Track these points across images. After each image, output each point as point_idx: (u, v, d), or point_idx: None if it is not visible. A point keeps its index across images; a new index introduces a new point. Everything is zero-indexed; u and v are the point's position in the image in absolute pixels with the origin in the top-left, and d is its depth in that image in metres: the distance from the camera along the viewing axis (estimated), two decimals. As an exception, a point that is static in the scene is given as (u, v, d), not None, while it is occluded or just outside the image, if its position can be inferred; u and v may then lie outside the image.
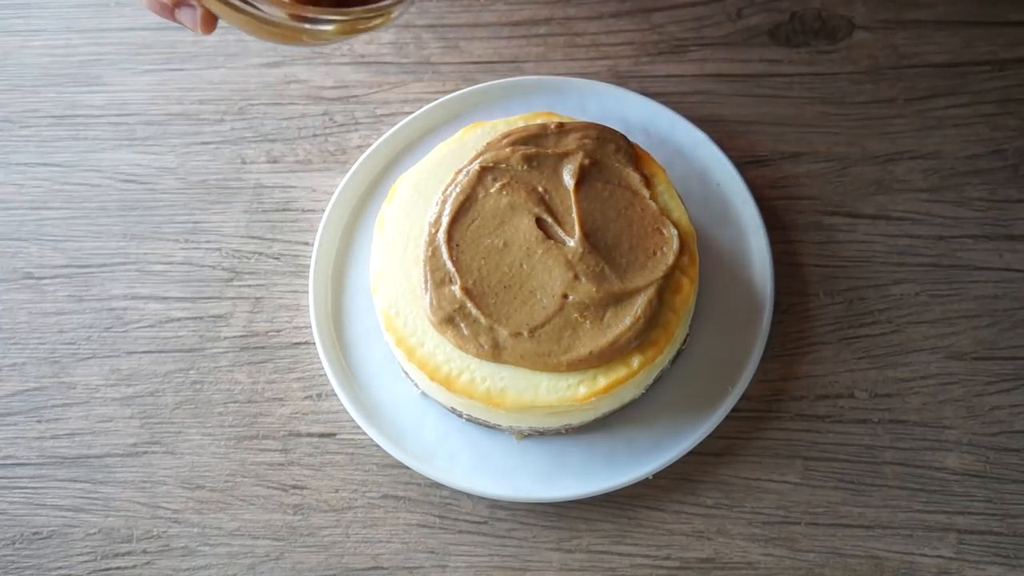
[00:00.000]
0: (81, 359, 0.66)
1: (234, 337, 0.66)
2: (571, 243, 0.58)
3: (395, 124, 0.70)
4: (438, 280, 0.57)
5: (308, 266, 0.67)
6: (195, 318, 0.67)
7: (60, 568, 0.61)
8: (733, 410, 0.61)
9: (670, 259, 0.58)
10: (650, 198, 0.60)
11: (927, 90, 0.72)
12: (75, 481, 0.63)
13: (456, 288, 0.57)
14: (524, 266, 0.58)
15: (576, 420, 0.60)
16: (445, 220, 0.59)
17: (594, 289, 0.57)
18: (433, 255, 0.58)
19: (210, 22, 0.60)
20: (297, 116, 0.73)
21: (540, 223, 0.59)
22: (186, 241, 0.69)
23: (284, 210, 0.70)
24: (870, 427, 0.63)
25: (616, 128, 0.62)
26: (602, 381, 0.56)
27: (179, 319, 0.67)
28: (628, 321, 0.56)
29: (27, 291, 0.68)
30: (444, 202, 0.59)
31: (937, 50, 0.73)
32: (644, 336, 0.56)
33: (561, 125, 0.61)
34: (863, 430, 0.63)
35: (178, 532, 0.62)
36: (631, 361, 0.56)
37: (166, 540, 0.61)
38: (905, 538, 0.60)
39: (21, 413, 0.65)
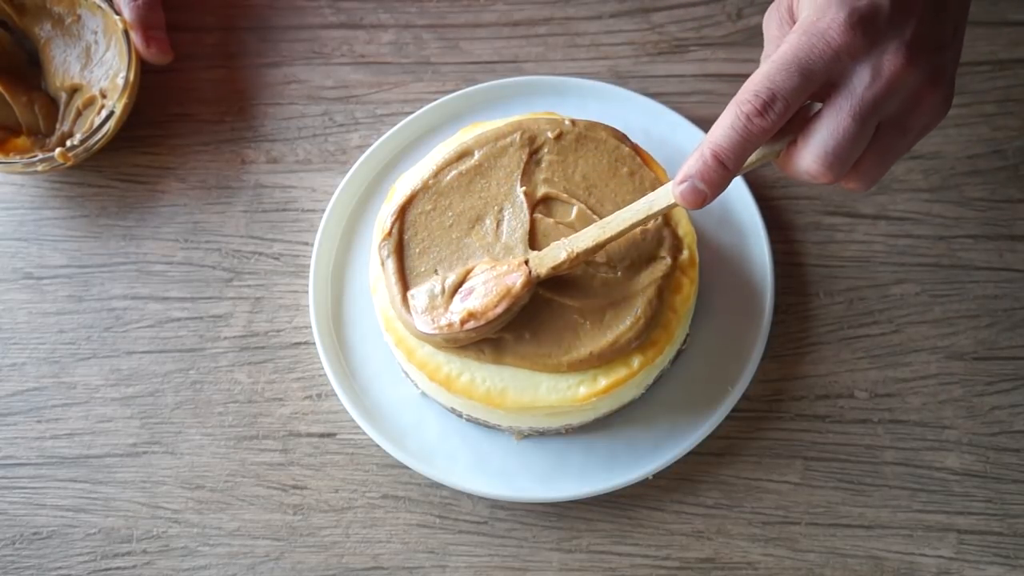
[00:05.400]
0: (81, 359, 0.66)
1: (234, 337, 0.66)
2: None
3: (395, 124, 0.70)
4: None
5: (308, 266, 0.67)
6: (195, 318, 0.67)
7: (60, 568, 0.61)
8: (733, 410, 0.61)
9: (670, 259, 0.58)
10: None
11: (927, 90, 0.72)
12: (75, 481, 0.63)
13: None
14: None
15: (576, 420, 0.60)
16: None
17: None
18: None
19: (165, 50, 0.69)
20: (297, 116, 0.73)
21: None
22: (186, 241, 0.69)
23: (284, 210, 0.70)
24: (870, 427, 0.63)
25: (616, 128, 0.62)
26: (602, 381, 0.56)
27: (179, 319, 0.67)
28: (628, 321, 0.56)
29: (27, 291, 0.68)
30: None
31: (937, 50, 0.73)
32: (644, 336, 0.56)
33: (560, 135, 0.60)
34: (863, 430, 0.63)
35: (178, 532, 0.62)
36: (631, 361, 0.56)
37: (166, 540, 0.61)
38: (905, 538, 0.60)
39: (21, 413, 0.65)
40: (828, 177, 0.47)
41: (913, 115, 0.47)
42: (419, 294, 0.56)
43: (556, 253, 0.55)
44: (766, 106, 0.45)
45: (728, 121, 0.46)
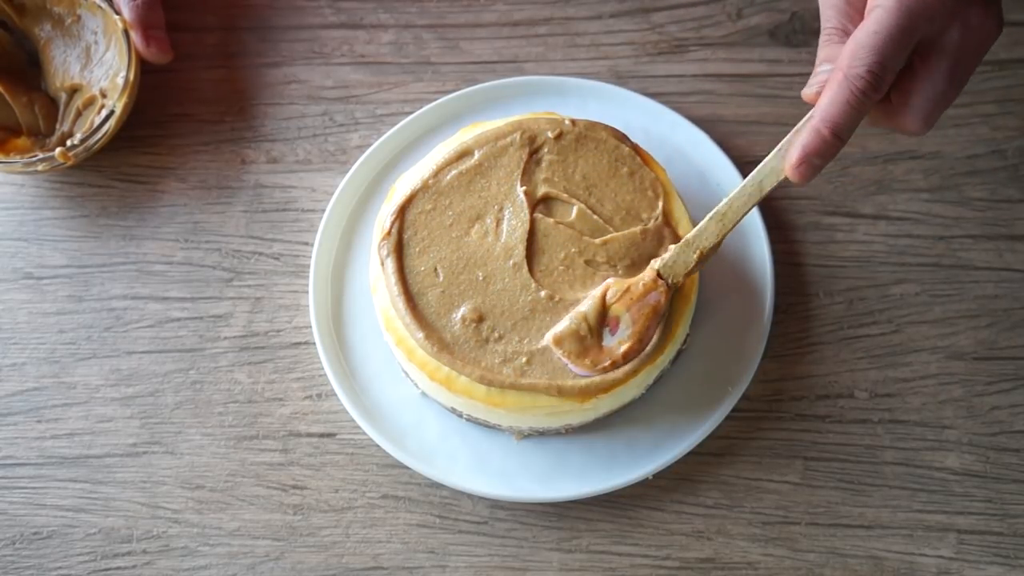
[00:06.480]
0: (81, 359, 0.66)
1: (234, 337, 0.66)
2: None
3: (395, 124, 0.70)
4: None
5: (308, 266, 0.67)
6: (195, 318, 0.67)
7: (60, 568, 0.61)
8: (733, 410, 0.61)
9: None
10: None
11: (927, 90, 0.72)
12: (75, 481, 0.63)
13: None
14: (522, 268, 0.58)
15: (576, 420, 0.60)
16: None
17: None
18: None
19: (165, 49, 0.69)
20: (297, 116, 0.73)
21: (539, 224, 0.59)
22: (186, 241, 0.69)
23: (284, 210, 0.70)
24: (870, 427, 0.63)
25: (616, 128, 0.62)
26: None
27: (179, 319, 0.67)
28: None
29: (27, 291, 0.68)
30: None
31: (937, 50, 0.73)
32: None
33: (560, 134, 0.60)
34: (863, 430, 0.63)
35: (178, 532, 0.62)
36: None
37: (166, 540, 0.61)
38: (905, 538, 0.60)
39: (21, 413, 0.65)
40: (925, 131, 0.50)
41: (978, 56, 0.49)
42: (567, 339, 0.55)
43: (686, 258, 0.54)
44: (879, 80, 0.47)
45: (843, 97, 0.47)
